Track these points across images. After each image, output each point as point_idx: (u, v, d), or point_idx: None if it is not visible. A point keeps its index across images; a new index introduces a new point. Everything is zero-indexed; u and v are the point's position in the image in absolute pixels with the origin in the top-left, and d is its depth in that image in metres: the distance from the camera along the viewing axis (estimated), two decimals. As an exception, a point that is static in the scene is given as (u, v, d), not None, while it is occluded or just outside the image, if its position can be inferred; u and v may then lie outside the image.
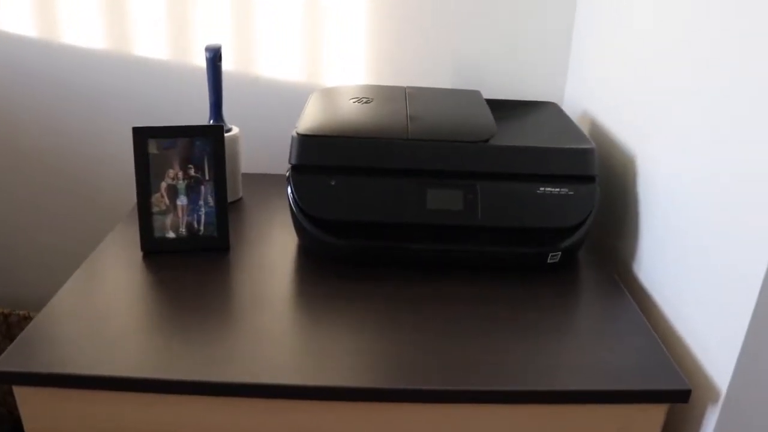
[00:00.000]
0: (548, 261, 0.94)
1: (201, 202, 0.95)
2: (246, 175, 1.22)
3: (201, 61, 1.23)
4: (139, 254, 0.95)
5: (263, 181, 1.21)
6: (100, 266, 0.92)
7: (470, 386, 0.71)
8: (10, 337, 1.39)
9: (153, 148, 0.93)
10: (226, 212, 0.95)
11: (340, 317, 0.82)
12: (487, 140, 0.94)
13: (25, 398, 0.75)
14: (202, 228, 0.96)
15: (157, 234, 0.95)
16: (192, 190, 0.95)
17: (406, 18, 1.20)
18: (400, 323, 0.82)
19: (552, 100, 1.26)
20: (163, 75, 1.24)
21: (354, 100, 1.04)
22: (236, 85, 1.24)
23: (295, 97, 1.24)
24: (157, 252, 0.95)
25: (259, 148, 1.28)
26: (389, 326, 0.81)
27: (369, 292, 0.88)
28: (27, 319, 1.36)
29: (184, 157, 0.94)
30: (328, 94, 1.09)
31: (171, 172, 0.94)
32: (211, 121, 1.07)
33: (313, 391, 0.71)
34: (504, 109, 1.12)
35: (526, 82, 1.26)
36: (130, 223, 1.04)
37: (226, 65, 1.21)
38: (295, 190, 0.92)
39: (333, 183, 0.92)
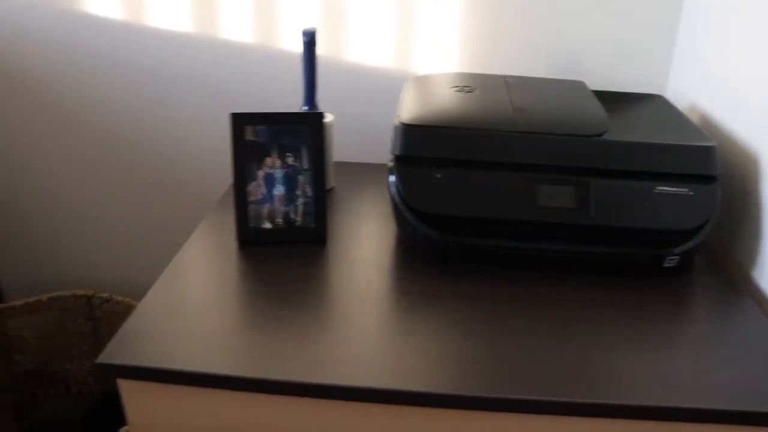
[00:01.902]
0: (664, 265, 0.88)
1: (298, 192, 0.92)
2: (336, 164, 1.18)
3: (288, 47, 1.19)
4: (234, 245, 0.93)
5: (354, 170, 1.17)
6: (195, 257, 0.90)
7: (574, 398, 0.67)
8: (93, 319, 1.39)
9: (250, 135, 0.90)
10: (325, 203, 0.92)
11: (438, 318, 0.79)
12: (600, 134, 0.88)
13: (128, 391, 0.74)
14: (299, 219, 0.93)
15: (252, 224, 0.92)
16: (289, 180, 0.92)
17: (501, 3, 1.15)
18: (501, 326, 0.77)
19: (654, 92, 1.19)
20: (251, 60, 1.21)
21: (455, 88, 0.99)
22: (325, 71, 1.21)
23: (386, 84, 1.20)
24: (252, 243, 0.93)
25: (349, 135, 1.24)
26: (490, 329, 0.77)
27: (470, 292, 0.84)
28: (108, 301, 1.36)
29: (283, 145, 0.91)
30: (425, 82, 1.04)
31: (269, 161, 0.91)
32: (305, 108, 1.03)
33: (410, 397, 0.68)
34: (606, 100, 1.06)
35: (625, 72, 1.19)
36: (220, 213, 1.01)
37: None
38: (398, 182, 0.88)
39: (439, 176, 0.87)
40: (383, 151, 1.22)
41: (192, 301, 0.80)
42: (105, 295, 1.36)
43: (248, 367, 0.70)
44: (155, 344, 0.73)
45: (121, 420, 1.41)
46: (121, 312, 1.37)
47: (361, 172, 1.17)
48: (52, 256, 1.46)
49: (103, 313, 1.39)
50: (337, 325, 0.77)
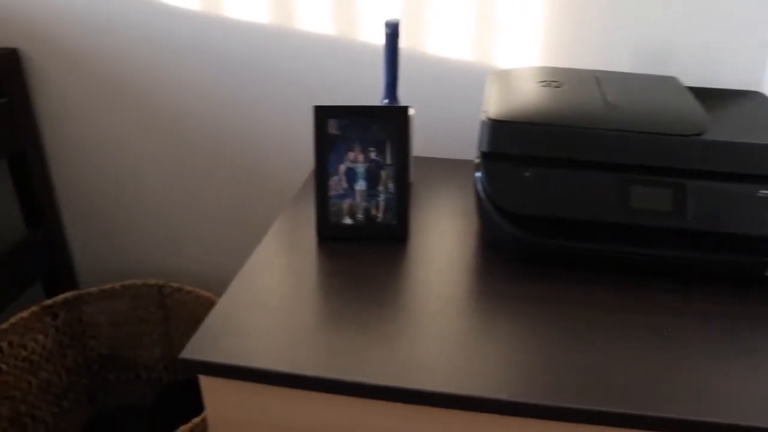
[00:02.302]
0: (766, 274, 0.83)
1: (380, 188, 0.90)
2: (414, 159, 1.16)
3: (368, 38, 1.17)
4: (313, 240, 0.91)
5: (432, 165, 1.15)
6: (274, 252, 0.89)
7: (661, 413, 0.63)
8: (163, 308, 1.41)
9: (333, 128, 0.88)
10: (408, 199, 0.90)
11: (519, 322, 0.76)
12: (699, 134, 0.83)
13: (209, 386, 0.73)
14: (380, 215, 0.91)
15: (333, 219, 0.91)
16: (371, 175, 0.90)
17: (589, -6, 1.10)
18: (587, 334, 0.74)
19: (752, 89, 1.13)
20: (330, 53, 1.20)
21: (542, 83, 0.96)
22: (402, 63, 1.18)
23: (465, 78, 1.17)
24: (332, 238, 0.91)
25: (426, 130, 1.21)
26: (575, 336, 0.74)
27: (554, 296, 0.81)
28: (179, 291, 1.37)
29: (366, 140, 0.89)
30: (508, 76, 1.01)
31: (351, 155, 0.89)
32: (386, 101, 1.01)
33: (488, 404, 0.65)
34: (701, 97, 1.00)
35: (719, 67, 1.13)
36: (298, 207, 1.00)
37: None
38: (486, 180, 0.85)
39: (527, 174, 0.84)
40: (462, 147, 1.19)
41: (272, 297, 0.79)
42: (175, 284, 1.37)
43: (327, 367, 0.68)
44: (236, 341, 0.72)
45: (189, 407, 1.42)
46: (191, 302, 1.38)
47: (439, 167, 1.14)
48: (126, 244, 1.48)
49: (173, 303, 1.40)
50: (416, 325, 0.75)
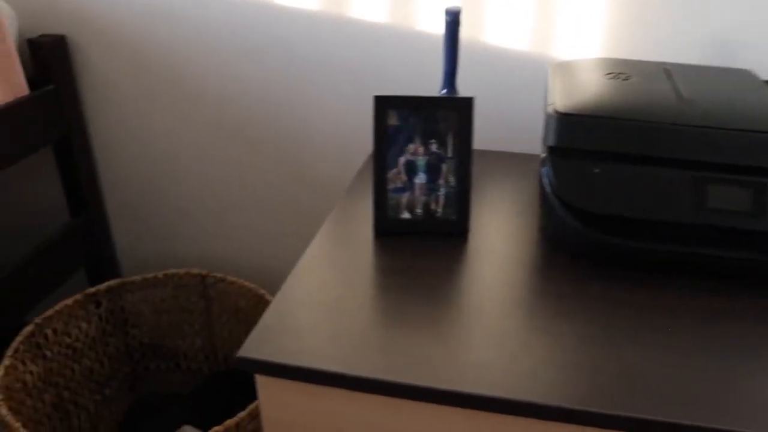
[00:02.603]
0: None
1: (441, 181, 0.87)
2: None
3: (425, 27, 1.14)
4: (369, 235, 0.89)
5: (490, 159, 1.11)
6: (329, 247, 0.86)
7: (714, 423, 0.60)
8: (206, 297, 1.39)
9: (393, 119, 0.85)
10: (469, 194, 0.87)
11: (584, 324, 0.72)
12: (782, 130, 0.79)
13: (265, 386, 0.71)
14: (440, 209, 0.88)
15: (391, 214, 0.88)
16: (432, 168, 0.87)
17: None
18: (653, 338, 0.70)
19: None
20: (384, 41, 1.17)
21: (609, 75, 0.92)
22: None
23: (524, 69, 1.13)
24: (389, 233, 0.88)
25: (483, 122, 1.18)
26: (640, 341, 0.70)
27: (619, 298, 0.77)
28: (222, 281, 1.36)
29: (427, 131, 0.86)
30: (572, 68, 0.97)
31: (411, 147, 0.86)
32: (444, 92, 0.98)
33: (550, 412, 0.62)
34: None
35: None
36: (351, 200, 0.97)
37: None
38: (552, 175, 0.82)
39: (597, 170, 0.81)
40: (519, 139, 1.16)
41: (328, 294, 0.77)
42: (219, 275, 1.36)
43: (385, 368, 0.66)
44: (293, 340, 0.70)
45: (230, 397, 1.41)
46: (234, 293, 1.36)
47: (496, 161, 1.10)
48: (169, 234, 1.47)
49: (216, 293, 1.39)
50: (474, 325, 0.72)
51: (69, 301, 1.30)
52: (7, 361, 1.17)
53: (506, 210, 0.95)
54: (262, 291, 1.30)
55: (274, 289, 1.43)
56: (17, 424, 1.04)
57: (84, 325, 1.34)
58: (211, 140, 1.34)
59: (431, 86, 1.16)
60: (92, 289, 1.33)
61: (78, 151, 1.34)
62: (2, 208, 1.54)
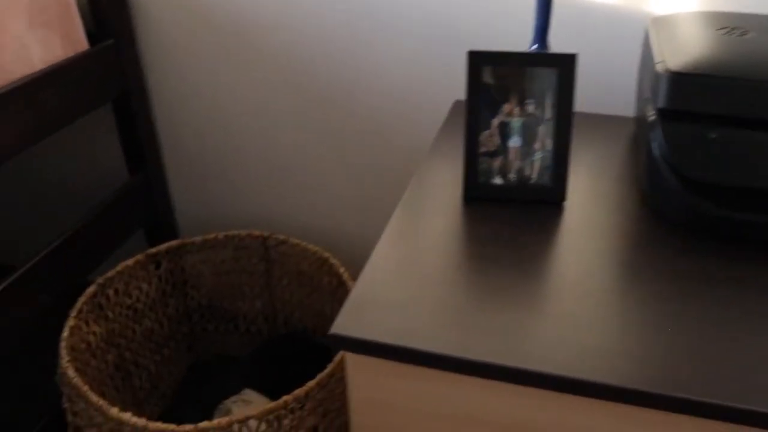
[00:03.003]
0: None
1: (536, 145, 0.81)
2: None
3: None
4: (457, 201, 0.83)
5: (579, 121, 1.03)
6: (416, 214, 0.81)
7: None
8: (267, 260, 1.36)
9: (488, 77, 0.79)
10: (567, 159, 0.80)
11: (693, 305, 0.67)
12: None
13: (355, 364, 0.67)
14: (534, 175, 0.82)
15: (481, 179, 0.82)
16: (527, 130, 0.81)
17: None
18: (748, 322, 0.64)
19: None
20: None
21: (722, 31, 0.84)
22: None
23: (617, 23, 1.05)
24: (479, 199, 0.83)
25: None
26: (756, 325, 0.64)
27: (735, 276, 0.71)
28: (284, 243, 1.32)
29: (524, 91, 0.79)
30: (675, 22, 0.89)
31: (506, 107, 0.80)
32: (535, 47, 0.91)
33: (660, 400, 0.58)
34: None
35: None
36: (435, 165, 0.92)
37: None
38: (662, 141, 0.75)
39: (713, 136, 0.74)
40: (612, 101, 1.08)
41: (417, 266, 0.72)
42: (281, 237, 1.32)
43: (481, 349, 0.62)
44: (386, 316, 0.65)
45: (288, 361, 1.39)
46: (296, 255, 1.32)
47: (589, 123, 1.03)
48: (229, 194, 1.43)
49: (277, 255, 1.35)
50: (572, 302, 0.67)
51: (130, 262, 1.28)
52: (71, 322, 1.15)
53: (602, 177, 0.89)
54: (326, 254, 1.26)
55: (338, 252, 1.40)
56: (85, 387, 1.03)
57: (144, 285, 1.32)
58: (279, 98, 1.28)
59: (519, 43, 1.09)
60: (153, 250, 1.31)
61: (137, 108, 1.30)
62: (61, 167, 1.51)
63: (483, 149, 0.81)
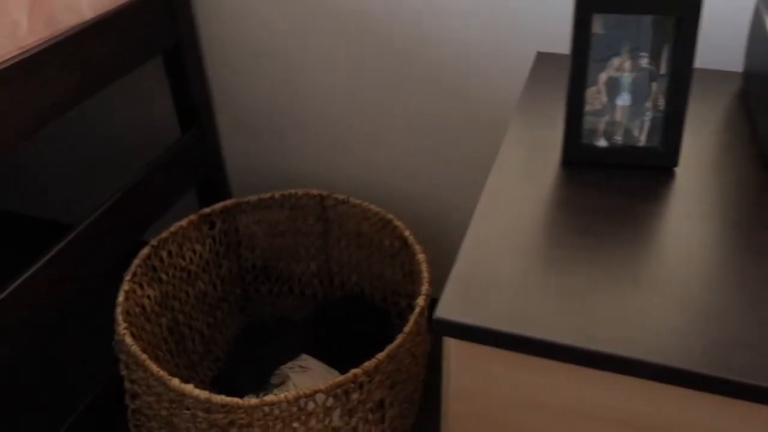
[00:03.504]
0: None
1: (648, 104, 0.72)
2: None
3: None
4: (554, 165, 0.75)
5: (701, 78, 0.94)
6: (512, 181, 0.73)
7: None
8: (324, 220, 1.30)
9: (598, 26, 0.70)
10: (683, 120, 0.72)
11: None
12: None
13: (457, 351, 0.61)
14: (643, 138, 0.73)
15: (584, 140, 0.74)
16: (638, 87, 0.72)
17: None
18: None
19: None
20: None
21: None
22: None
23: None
24: (580, 163, 0.75)
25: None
26: None
27: None
28: (344, 203, 1.25)
29: (636, 42, 0.70)
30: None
31: (616, 61, 0.71)
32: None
33: None
34: None
35: None
36: (525, 121, 0.84)
37: None
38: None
39: None
40: (715, 54, 0.98)
41: (520, 240, 0.65)
42: (341, 196, 1.25)
43: (604, 338, 0.55)
44: (492, 298, 0.59)
45: (343, 325, 1.34)
46: (356, 216, 1.26)
47: (708, 81, 0.93)
48: (284, 152, 1.36)
49: (335, 216, 1.29)
50: (691, 285, 0.59)
51: (183, 223, 1.22)
52: (126, 286, 1.10)
53: (712, 138, 0.80)
54: (389, 215, 1.19)
55: (401, 214, 1.32)
56: (144, 356, 0.98)
57: (198, 247, 1.27)
58: (339, 47, 1.20)
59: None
60: (206, 210, 1.25)
61: (189, 60, 1.23)
62: (113, 123, 1.45)
63: (587, 108, 0.73)
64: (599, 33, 0.70)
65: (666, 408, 0.57)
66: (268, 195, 1.27)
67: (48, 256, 1.00)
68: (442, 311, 0.57)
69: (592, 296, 0.58)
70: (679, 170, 0.74)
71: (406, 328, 1.01)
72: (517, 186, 0.72)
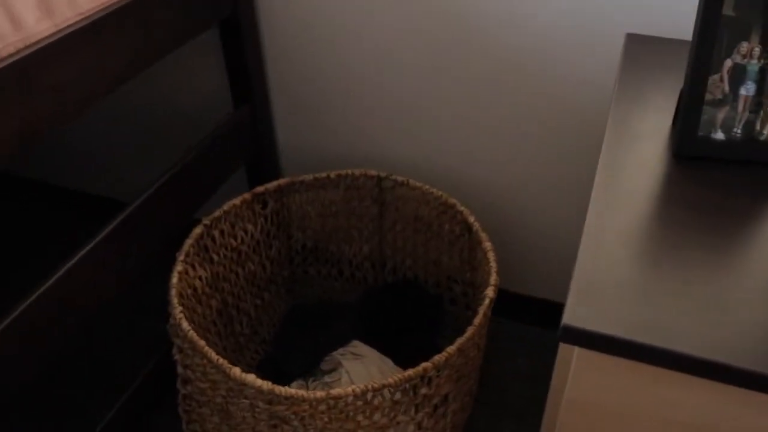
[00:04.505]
0: None
1: (775, 95, 0.66)
2: None
3: None
4: (665, 158, 0.69)
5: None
6: (622, 175, 0.68)
7: None
8: (380, 202, 1.25)
9: (729, 8, 0.64)
10: (815, 113, 0.66)
11: None
12: None
13: (583, 361, 0.56)
14: (765, 131, 0.67)
15: (701, 132, 0.68)
16: (765, 76, 0.66)
17: None
18: None
19: None
20: None
21: None
22: None
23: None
24: (694, 157, 0.69)
25: None
26: None
27: None
28: (402, 185, 1.20)
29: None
30: None
31: (744, 46, 0.65)
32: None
33: None
34: None
35: None
36: (628, 113, 0.78)
37: None
38: None
39: None
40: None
41: (638, 242, 0.60)
42: (400, 178, 1.20)
43: (741, 352, 0.50)
44: (620, 305, 0.54)
45: (393, 312, 1.29)
46: (415, 199, 1.21)
47: None
48: (340, 131, 1.30)
49: (392, 198, 1.24)
50: None
51: (236, 201, 1.18)
52: (179, 266, 1.06)
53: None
54: (452, 200, 1.14)
55: (464, 198, 1.26)
56: (202, 342, 0.94)
57: (249, 226, 1.22)
58: (404, 20, 1.13)
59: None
60: (260, 189, 1.20)
61: (246, 32, 1.17)
62: (162, 97, 1.40)
63: (708, 97, 0.67)
64: (730, 15, 0.64)
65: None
66: (323, 175, 1.22)
67: (101, 236, 0.96)
68: (570, 319, 0.52)
69: (726, 305, 0.53)
70: (805, 168, 0.68)
71: (476, 320, 0.96)
72: (629, 181, 0.67)
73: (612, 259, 0.58)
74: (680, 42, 0.91)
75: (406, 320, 1.30)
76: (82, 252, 0.93)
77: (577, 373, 0.56)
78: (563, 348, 0.55)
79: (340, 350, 1.21)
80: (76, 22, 0.89)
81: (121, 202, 1.06)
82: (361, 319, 1.30)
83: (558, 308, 1.33)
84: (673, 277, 0.56)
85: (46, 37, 0.86)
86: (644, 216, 0.62)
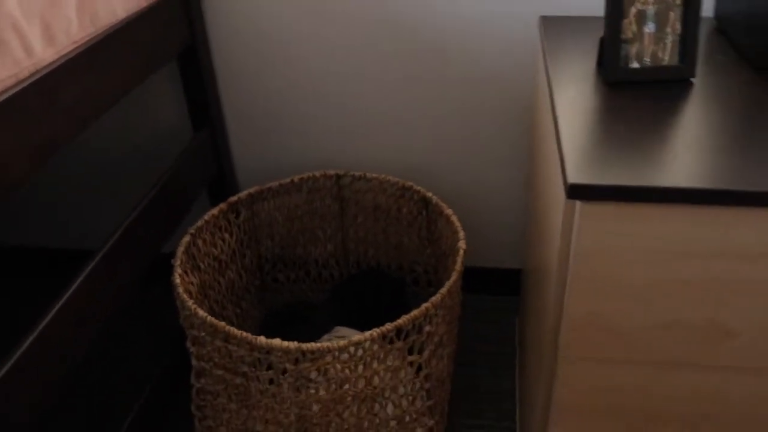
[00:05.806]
0: None
1: (668, 30, 0.90)
2: None
3: None
4: (601, 86, 0.91)
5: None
6: (574, 101, 0.88)
7: None
8: (340, 199, 1.40)
9: (627, -31, 0.87)
10: (696, 39, 0.90)
11: None
12: None
13: (585, 214, 0.73)
14: (666, 57, 0.91)
15: (621, 63, 0.90)
16: (660, 17, 0.89)
17: None
18: None
19: None
20: None
21: None
22: None
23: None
24: (620, 82, 0.91)
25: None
26: None
27: None
28: (359, 179, 1.36)
29: (655, -20, 0.88)
30: None
31: (641, -4, 0.88)
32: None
33: None
34: None
35: None
36: (560, 68, 0.99)
37: None
38: None
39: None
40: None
41: (600, 131, 0.79)
42: (357, 173, 1.36)
43: (725, 180, 0.70)
44: (609, 166, 0.72)
45: (364, 297, 1.43)
46: (372, 189, 1.37)
47: None
48: (293, 143, 1.45)
49: (351, 193, 1.39)
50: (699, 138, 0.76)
51: (215, 211, 1.28)
52: (179, 270, 1.15)
53: (712, 60, 0.99)
54: (408, 183, 1.31)
55: (420, 182, 1.43)
56: (222, 323, 1.04)
57: (227, 236, 1.33)
58: (342, 33, 1.32)
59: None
60: (233, 198, 1.32)
61: (203, 60, 1.30)
62: (121, 134, 1.48)
63: (623, 36, 0.89)
64: (627, -26, 0.87)
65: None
66: (287, 180, 1.36)
67: (70, 291, 0.96)
68: (573, 178, 0.70)
69: (669, 152, 0.73)
70: (696, 80, 0.92)
71: (456, 267, 1.12)
72: (581, 102, 0.87)
73: (584, 141, 0.77)
74: (587, 18, 1.16)
75: (372, 308, 1.43)
76: (53, 310, 0.93)
77: (581, 225, 0.73)
78: (567, 206, 0.73)
79: (326, 336, 1.33)
80: (74, 49, 1.00)
81: (89, 251, 1.07)
82: (336, 309, 1.42)
83: (506, 274, 1.53)
84: (627, 144, 0.76)
85: (51, 63, 0.96)
86: (594, 120, 0.83)
